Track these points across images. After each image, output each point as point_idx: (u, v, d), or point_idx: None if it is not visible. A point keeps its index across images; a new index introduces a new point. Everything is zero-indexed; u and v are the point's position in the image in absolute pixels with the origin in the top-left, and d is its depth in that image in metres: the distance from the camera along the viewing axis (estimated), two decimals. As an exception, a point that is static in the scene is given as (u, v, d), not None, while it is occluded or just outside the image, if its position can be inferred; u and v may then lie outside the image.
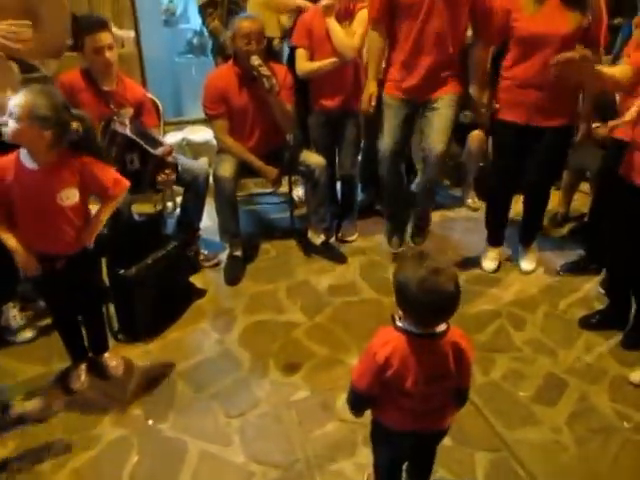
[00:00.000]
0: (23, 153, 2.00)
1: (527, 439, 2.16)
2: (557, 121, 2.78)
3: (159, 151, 2.80)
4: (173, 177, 2.89)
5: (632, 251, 2.45)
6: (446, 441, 2.06)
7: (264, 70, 2.90)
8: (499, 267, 3.23)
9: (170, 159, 2.86)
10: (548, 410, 2.29)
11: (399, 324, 1.48)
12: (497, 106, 2.88)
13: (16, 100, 1.89)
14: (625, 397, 2.35)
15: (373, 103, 2.99)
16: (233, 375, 2.46)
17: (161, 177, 2.84)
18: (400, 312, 1.46)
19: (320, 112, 3.29)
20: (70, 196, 2.04)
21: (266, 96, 2.98)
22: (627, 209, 2.39)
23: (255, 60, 2.90)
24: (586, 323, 2.76)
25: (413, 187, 3.61)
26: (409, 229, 3.33)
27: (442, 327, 1.47)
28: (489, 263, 3.23)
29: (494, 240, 3.26)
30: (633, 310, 2.64)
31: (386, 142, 2.99)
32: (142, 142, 2.74)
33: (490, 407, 2.29)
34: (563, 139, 2.86)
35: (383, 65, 3.00)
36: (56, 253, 2.12)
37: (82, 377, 2.41)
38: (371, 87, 2.98)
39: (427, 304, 1.38)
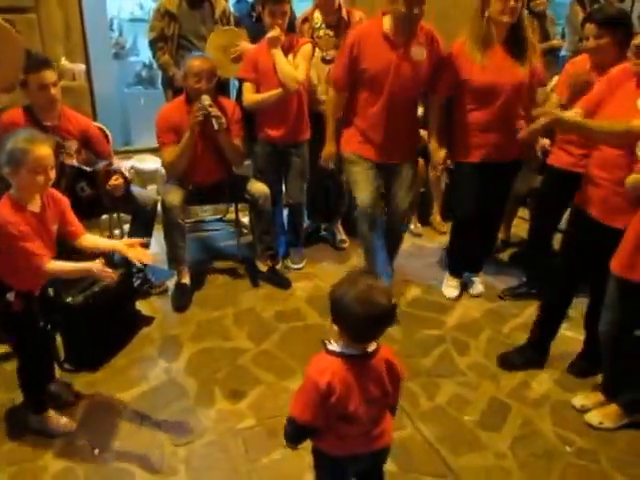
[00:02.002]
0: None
1: (472, 465, 2.12)
2: (512, 156, 2.87)
3: (100, 165, 2.78)
4: (121, 181, 2.82)
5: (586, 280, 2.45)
6: (391, 467, 2.02)
7: (214, 111, 2.88)
8: (460, 296, 3.21)
9: (114, 167, 2.83)
10: (492, 435, 2.26)
11: (332, 348, 1.48)
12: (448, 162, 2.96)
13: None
14: (567, 421, 2.34)
15: (331, 163, 3.04)
16: (179, 403, 2.37)
17: (110, 184, 2.78)
18: (334, 330, 1.46)
19: (266, 141, 3.26)
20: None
21: (215, 133, 2.95)
22: (582, 239, 2.38)
23: (205, 100, 2.88)
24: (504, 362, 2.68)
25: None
26: None
27: (373, 346, 1.49)
28: (451, 291, 3.21)
29: (457, 271, 3.24)
30: (582, 337, 2.63)
31: (363, 196, 2.86)
32: (85, 167, 2.72)
33: (436, 432, 2.25)
34: (516, 170, 2.96)
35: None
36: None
37: (62, 419, 2.24)
38: (330, 147, 2.98)
39: (363, 317, 1.39)
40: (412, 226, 4.01)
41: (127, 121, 4.90)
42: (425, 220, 4.11)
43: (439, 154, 2.93)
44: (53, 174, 1.97)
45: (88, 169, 2.73)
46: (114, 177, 2.79)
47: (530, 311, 3.06)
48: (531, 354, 2.64)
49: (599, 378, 2.47)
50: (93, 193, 2.79)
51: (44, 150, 1.92)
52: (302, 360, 2.59)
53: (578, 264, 2.40)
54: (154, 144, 3.48)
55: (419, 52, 2.70)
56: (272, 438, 2.17)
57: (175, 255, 3.10)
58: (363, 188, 2.87)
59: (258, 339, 2.79)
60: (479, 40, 2.71)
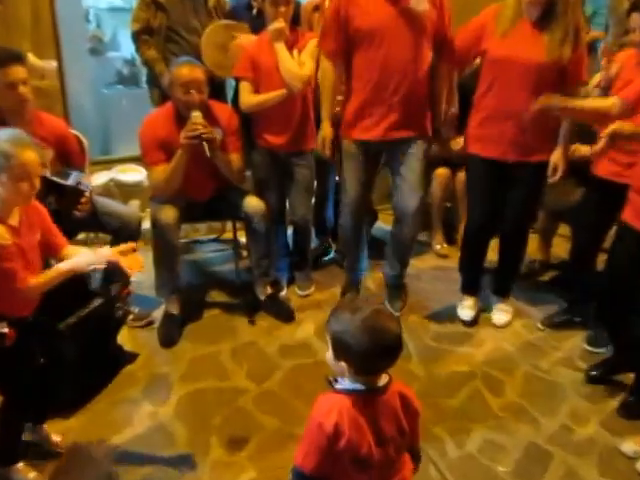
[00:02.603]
0: None
1: (507, 523, 2.15)
2: (535, 157, 2.88)
3: (71, 180, 2.81)
4: (89, 205, 2.87)
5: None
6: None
7: (206, 133, 2.88)
8: (477, 318, 3.28)
9: (83, 187, 2.85)
10: None
11: (339, 386, 1.52)
12: (461, 141, 2.99)
13: None
14: (617, 471, 2.36)
15: (328, 147, 3.07)
16: (168, 454, 2.40)
17: (79, 208, 2.82)
18: (340, 367, 1.49)
19: (265, 150, 3.32)
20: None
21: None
22: (632, 257, 2.44)
23: (196, 118, 2.89)
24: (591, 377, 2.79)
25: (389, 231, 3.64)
26: (385, 293, 3.37)
27: (384, 379, 1.53)
28: (465, 312, 3.28)
29: (469, 287, 3.32)
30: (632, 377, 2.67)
31: (349, 195, 3.06)
32: (57, 179, 2.74)
33: None
34: (541, 176, 2.94)
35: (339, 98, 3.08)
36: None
37: (31, 474, 2.27)
38: (325, 129, 3.05)
39: (372, 346, 1.43)
40: (437, 246, 4.07)
41: (106, 126, 4.98)
42: (452, 238, 4.15)
43: (447, 130, 3.06)
44: (38, 183, 2.02)
45: (65, 183, 2.77)
46: (84, 198, 2.82)
47: (573, 342, 3.10)
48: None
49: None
50: (57, 210, 2.75)
51: (30, 154, 1.95)
52: (311, 402, 2.56)
53: (624, 287, 2.45)
54: (137, 152, 3.54)
55: (421, 1, 2.76)
56: (277, 494, 2.20)
57: (165, 281, 3.16)
58: (351, 186, 3.06)
59: (260, 378, 2.83)
60: (512, 8, 2.74)
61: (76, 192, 2.80)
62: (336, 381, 1.54)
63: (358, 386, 1.49)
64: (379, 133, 2.95)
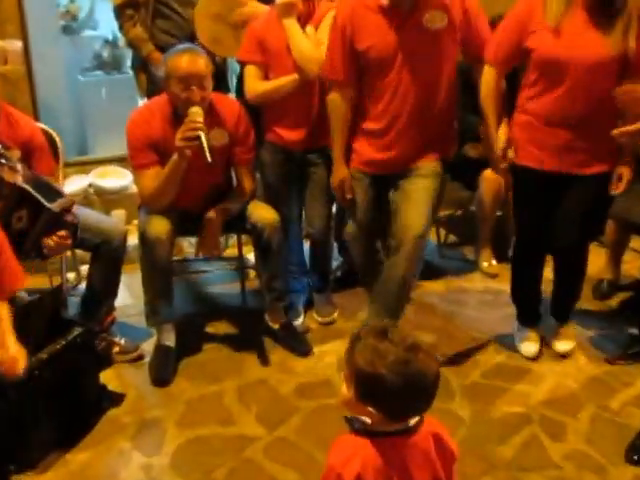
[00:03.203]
0: None
1: None
2: (595, 168, 2.96)
3: (56, 205, 2.86)
4: (68, 242, 2.96)
5: None
6: None
7: (207, 137, 2.93)
8: (540, 352, 3.36)
9: (69, 218, 2.93)
10: None
11: (362, 427, 1.55)
12: (510, 152, 3.08)
13: None
14: None
15: (348, 192, 3.16)
16: None
17: (52, 240, 2.89)
18: (366, 412, 1.51)
19: (277, 146, 3.42)
20: None
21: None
22: None
23: (196, 115, 2.93)
24: None
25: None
26: None
27: (415, 418, 1.56)
28: (527, 346, 3.36)
29: (527, 318, 3.41)
30: None
31: (357, 220, 3.19)
32: (36, 194, 2.81)
33: None
34: (602, 188, 3.00)
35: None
36: None
37: None
38: (340, 170, 3.16)
39: (410, 392, 1.46)
40: (484, 263, 4.16)
41: (83, 120, 5.09)
42: (503, 254, 4.21)
43: (498, 142, 3.09)
44: None
45: (46, 204, 2.82)
46: (61, 233, 2.89)
47: (650, 378, 3.17)
48: None
49: None
50: (27, 228, 2.85)
51: None
52: None
53: None
54: (120, 152, 3.65)
55: (437, 17, 2.86)
56: None
57: (157, 308, 3.23)
58: (359, 211, 3.17)
59: (272, 423, 2.90)
60: None
61: (58, 221, 2.88)
62: (357, 420, 1.57)
63: (384, 427, 1.52)
64: (391, 167, 3.09)
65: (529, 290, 3.36)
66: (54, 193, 2.92)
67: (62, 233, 2.91)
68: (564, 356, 3.35)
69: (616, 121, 2.81)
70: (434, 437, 1.58)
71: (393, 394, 1.46)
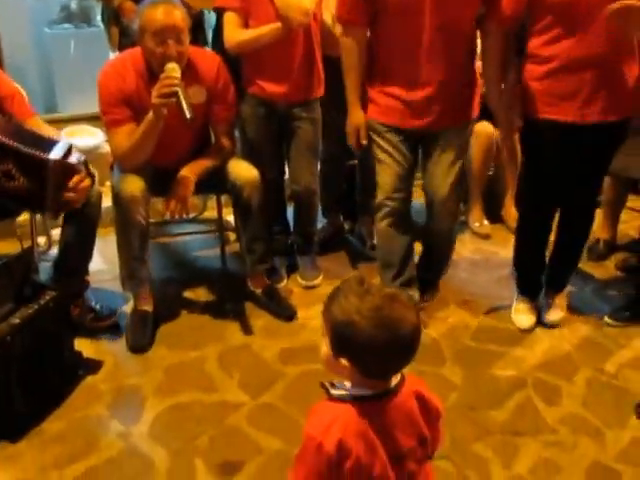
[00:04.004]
0: None
1: None
2: (616, 114, 2.94)
3: (55, 153, 2.82)
4: (88, 184, 2.94)
5: None
6: None
7: (185, 94, 2.90)
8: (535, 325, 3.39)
9: (74, 159, 2.89)
10: None
11: (339, 391, 1.54)
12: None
13: None
14: None
15: (364, 138, 3.12)
16: None
17: (72, 193, 2.86)
18: (341, 368, 1.50)
19: (259, 100, 3.39)
20: None
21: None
22: None
23: (173, 71, 2.90)
24: None
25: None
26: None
27: (396, 378, 1.56)
28: (522, 318, 3.38)
29: (529, 287, 3.43)
30: None
31: (386, 187, 3.14)
32: (29, 149, 2.78)
33: None
34: (618, 137, 3.02)
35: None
36: None
37: None
38: (355, 115, 3.11)
39: (384, 343, 1.45)
40: (476, 224, 4.19)
41: (50, 76, 5.04)
42: (495, 215, 4.27)
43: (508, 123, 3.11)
44: None
45: (41, 155, 2.78)
46: (75, 179, 2.86)
47: (647, 340, 3.23)
48: None
49: None
50: (26, 187, 2.83)
51: None
52: None
53: None
54: (92, 109, 3.60)
55: None
56: (280, 526, 2.30)
57: (133, 271, 3.23)
58: (386, 171, 3.10)
59: (256, 389, 2.93)
60: None
61: (65, 169, 2.84)
62: (334, 386, 1.55)
63: (364, 391, 1.51)
64: (409, 123, 3.05)
65: (535, 257, 3.37)
66: (46, 142, 2.89)
67: (77, 179, 2.89)
68: (553, 326, 3.38)
69: (636, 60, 2.83)
70: (416, 396, 1.59)
71: (367, 344, 1.44)
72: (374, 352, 1.45)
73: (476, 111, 3.17)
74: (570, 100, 2.92)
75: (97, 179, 3.92)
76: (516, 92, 3.06)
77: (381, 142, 3.09)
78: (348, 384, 1.54)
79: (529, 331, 3.34)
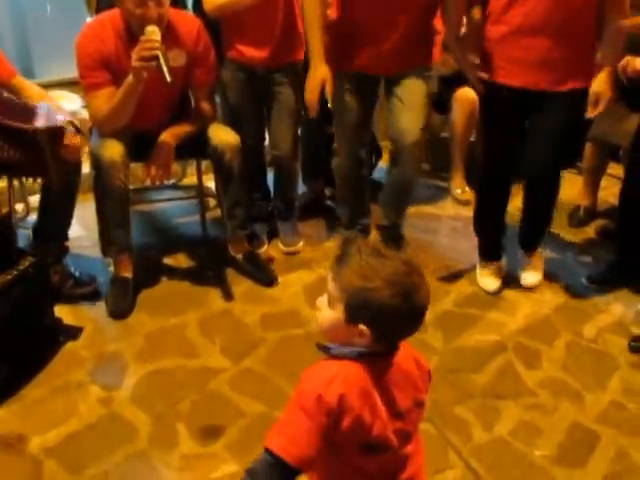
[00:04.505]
0: None
1: (547, 514, 2.31)
2: (570, 84, 2.96)
3: (40, 121, 2.82)
4: (77, 141, 2.95)
5: None
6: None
7: (164, 57, 2.86)
8: (503, 286, 3.42)
9: (60, 119, 2.89)
10: (575, 474, 2.43)
11: (341, 350, 1.51)
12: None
13: None
14: None
15: (329, 92, 3.11)
16: (126, 447, 2.48)
17: (66, 152, 2.89)
18: (356, 332, 1.47)
19: (239, 64, 3.37)
20: None
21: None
22: None
23: (153, 34, 2.86)
24: None
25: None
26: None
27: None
28: (488, 282, 3.42)
29: (489, 252, 3.47)
30: None
31: (342, 128, 3.21)
32: (11, 121, 2.78)
33: (496, 473, 2.41)
34: (577, 108, 3.01)
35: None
36: None
37: None
38: (320, 69, 3.10)
39: (405, 310, 1.44)
40: (457, 190, 4.21)
41: (27, 41, 4.94)
42: (476, 181, 4.22)
43: (464, 62, 3.11)
44: None
45: (31, 127, 2.78)
46: (69, 135, 2.87)
47: (625, 304, 3.28)
48: None
49: None
50: (23, 158, 2.85)
51: None
52: None
53: None
54: (70, 74, 3.56)
55: None
56: (263, 489, 2.33)
57: (113, 237, 3.22)
58: (345, 117, 3.20)
59: (237, 355, 2.94)
60: None
61: (54, 133, 2.84)
62: (335, 346, 1.52)
63: (369, 349, 1.49)
64: (376, 66, 3.08)
65: (493, 221, 3.40)
66: (29, 109, 2.89)
67: (67, 141, 2.89)
68: (529, 288, 3.42)
69: (595, 33, 2.84)
70: (413, 359, 1.60)
71: (387, 308, 1.42)
72: (392, 318, 1.44)
73: (437, 57, 3.20)
74: (524, 66, 2.94)
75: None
76: (473, 37, 3.10)
77: (342, 93, 3.15)
78: (359, 341, 1.50)
79: (497, 294, 3.38)
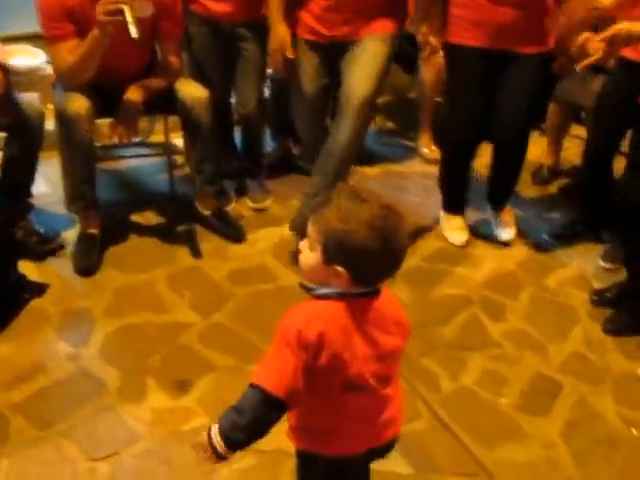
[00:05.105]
0: None
1: (511, 459, 2.36)
2: (533, 47, 3.00)
3: None
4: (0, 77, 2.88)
5: None
6: (405, 468, 2.24)
7: (130, 13, 2.78)
8: (470, 240, 3.47)
9: None
10: (537, 421, 2.52)
11: (323, 290, 1.53)
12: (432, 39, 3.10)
13: None
14: (634, 398, 2.64)
15: (290, 54, 3.10)
16: (95, 402, 2.48)
17: None
18: (332, 273, 1.48)
19: (202, 18, 3.32)
20: None
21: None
22: None
23: None
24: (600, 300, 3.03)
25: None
26: None
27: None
28: (456, 235, 3.45)
29: (453, 205, 3.49)
30: None
31: (304, 92, 3.18)
32: None
33: (462, 421, 2.48)
34: (542, 67, 3.07)
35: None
36: None
37: None
38: (279, 30, 3.09)
39: (382, 252, 1.44)
40: (425, 149, 4.20)
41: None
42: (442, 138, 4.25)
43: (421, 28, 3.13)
44: None
45: None
46: None
47: (587, 259, 3.35)
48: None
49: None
50: None
51: None
52: (272, 335, 2.65)
53: None
54: (31, 28, 3.48)
55: None
56: (234, 441, 2.34)
57: (79, 191, 3.16)
58: (307, 82, 3.19)
59: (207, 309, 2.94)
60: None
61: None
62: (317, 287, 1.53)
63: (350, 290, 1.50)
64: (338, 34, 3.06)
65: (458, 179, 3.43)
66: None
67: None
68: (506, 243, 3.45)
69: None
70: (393, 305, 1.61)
71: (363, 252, 1.43)
72: (370, 260, 1.45)
73: (394, 24, 3.16)
74: (488, 28, 2.96)
75: (39, 98, 3.85)
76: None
77: (303, 57, 3.14)
78: (336, 284, 1.51)
79: (465, 247, 3.42)
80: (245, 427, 1.49)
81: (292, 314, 1.51)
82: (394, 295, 1.64)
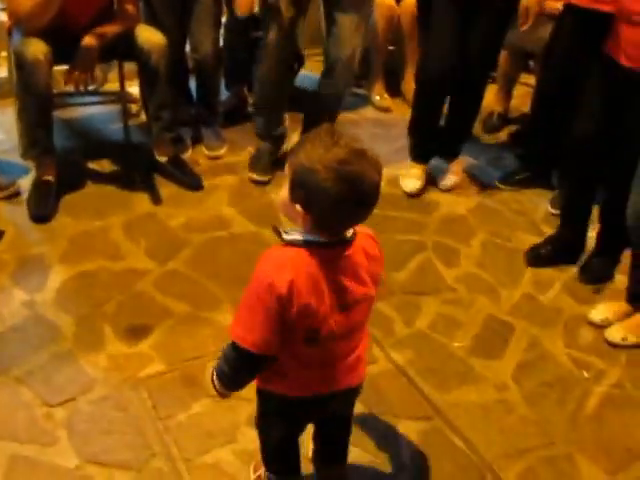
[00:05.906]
0: None
1: (464, 401, 2.33)
2: None
3: None
4: None
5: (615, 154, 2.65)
6: (359, 409, 2.14)
7: None
8: (423, 189, 3.40)
9: None
10: (490, 363, 2.49)
11: (293, 237, 1.47)
12: None
13: None
14: (584, 340, 2.63)
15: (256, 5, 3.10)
16: (50, 348, 2.41)
17: None
18: (295, 212, 1.44)
19: None
20: None
21: None
22: (608, 96, 2.57)
23: None
24: (535, 257, 2.97)
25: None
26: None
27: (349, 232, 1.50)
28: (411, 182, 3.37)
29: (421, 154, 3.41)
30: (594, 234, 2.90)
31: (269, 35, 3.06)
32: None
33: (416, 365, 2.44)
34: (506, 16, 3.05)
35: None
36: None
37: None
38: None
39: (342, 197, 1.37)
40: (376, 97, 4.11)
41: None
42: (395, 89, 4.20)
43: None
44: None
45: None
46: None
47: (537, 205, 3.33)
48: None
49: (619, 283, 2.79)
50: None
51: None
52: (229, 283, 2.69)
53: (601, 135, 2.61)
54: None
55: None
56: (190, 387, 2.26)
57: (35, 138, 3.07)
58: (274, 25, 3.05)
59: (162, 257, 2.86)
60: None
61: None
62: (287, 232, 1.49)
63: (317, 238, 1.46)
64: None
65: (429, 124, 3.36)
66: None
67: None
68: (448, 190, 3.42)
69: None
70: (365, 253, 1.53)
71: (322, 194, 1.37)
72: (328, 203, 1.38)
73: None
74: None
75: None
76: None
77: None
78: (304, 231, 1.47)
79: (416, 195, 3.36)
80: (230, 376, 1.57)
81: (264, 262, 1.48)
82: (372, 237, 1.60)
